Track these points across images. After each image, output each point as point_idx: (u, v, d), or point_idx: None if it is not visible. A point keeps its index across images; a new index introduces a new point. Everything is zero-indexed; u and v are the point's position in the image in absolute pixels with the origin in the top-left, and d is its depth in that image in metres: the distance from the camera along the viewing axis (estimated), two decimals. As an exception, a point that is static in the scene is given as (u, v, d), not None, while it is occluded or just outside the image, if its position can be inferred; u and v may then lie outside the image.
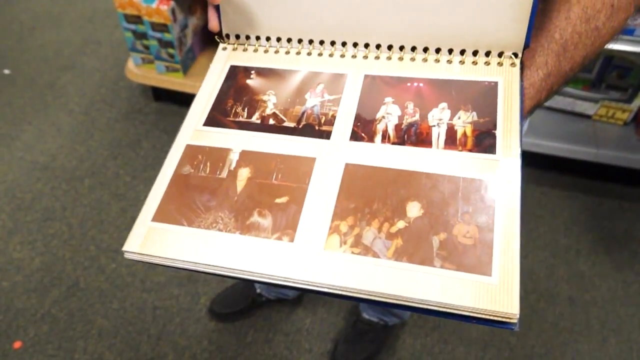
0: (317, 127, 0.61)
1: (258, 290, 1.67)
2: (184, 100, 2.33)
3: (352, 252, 0.50)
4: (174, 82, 2.16)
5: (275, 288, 1.62)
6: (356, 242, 0.51)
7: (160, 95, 2.39)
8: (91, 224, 1.93)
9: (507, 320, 0.45)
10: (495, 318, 0.46)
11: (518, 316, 0.45)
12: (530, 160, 2.02)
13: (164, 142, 2.25)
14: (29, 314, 1.68)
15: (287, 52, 0.68)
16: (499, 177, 0.53)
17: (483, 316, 0.46)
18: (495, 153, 0.55)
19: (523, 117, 0.59)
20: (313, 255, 0.51)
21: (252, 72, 0.68)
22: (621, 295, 1.70)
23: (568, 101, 1.92)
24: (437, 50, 0.63)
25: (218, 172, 0.59)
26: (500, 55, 0.62)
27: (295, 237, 0.52)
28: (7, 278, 1.77)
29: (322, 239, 0.52)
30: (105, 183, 2.07)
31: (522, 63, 0.62)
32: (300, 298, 1.72)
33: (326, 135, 0.60)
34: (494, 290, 0.46)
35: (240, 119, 0.63)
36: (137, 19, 2.00)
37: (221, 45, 0.71)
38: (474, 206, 0.51)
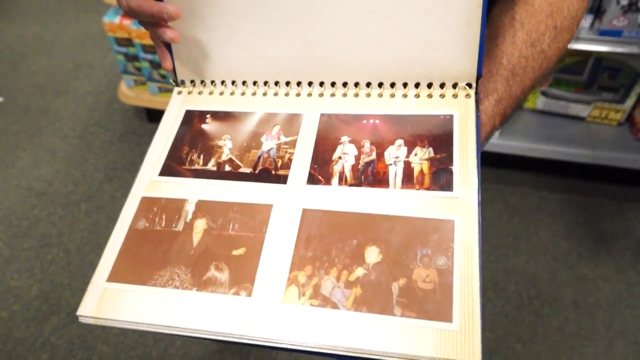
0: (273, 172, 0.60)
1: None
2: None
3: (311, 304, 0.49)
4: (167, 102, 2.14)
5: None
6: (315, 293, 0.50)
7: (154, 116, 2.39)
8: (89, 248, 1.93)
9: None
10: None
11: None
12: (528, 165, 2.00)
13: None
14: (28, 343, 1.68)
15: (243, 94, 0.68)
16: (457, 216, 0.52)
17: None
18: (452, 190, 0.54)
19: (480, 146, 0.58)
20: (271, 310, 0.50)
21: (208, 116, 0.67)
22: (625, 296, 1.68)
23: (561, 104, 1.92)
24: (392, 85, 0.63)
25: (174, 225, 0.58)
26: (454, 86, 0.61)
27: (253, 290, 0.51)
28: (6, 307, 1.77)
29: (280, 291, 0.51)
30: (102, 206, 2.07)
31: (477, 94, 0.61)
32: None
33: (283, 179, 0.59)
34: (455, 337, 0.45)
35: (196, 166, 0.63)
36: (128, 42, 2.02)
37: (176, 89, 0.71)
38: (433, 248, 0.50)
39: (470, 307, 0.47)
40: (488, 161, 1.98)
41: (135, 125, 2.42)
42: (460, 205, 0.53)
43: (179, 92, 0.71)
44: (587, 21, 1.61)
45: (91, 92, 2.59)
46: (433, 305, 0.47)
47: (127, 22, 1.96)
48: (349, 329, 0.47)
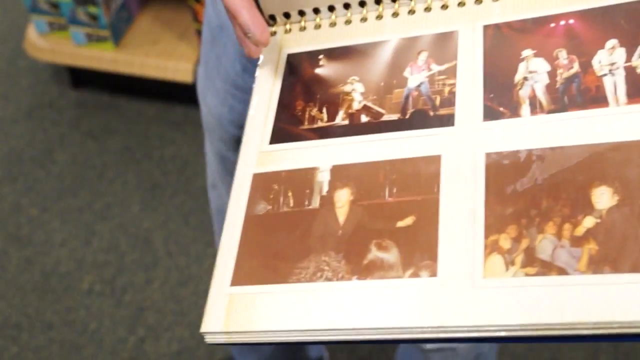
0: (431, 113, 0.64)
1: None
2: (118, 85, 2.31)
3: (527, 274, 0.52)
4: (102, 57, 2.16)
5: None
6: (529, 259, 0.53)
7: (82, 79, 2.39)
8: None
9: None
10: None
11: None
12: None
13: (90, 151, 2.23)
14: None
15: (364, 19, 0.72)
16: None
17: None
18: None
19: None
20: (470, 289, 0.53)
21: (321, 56, 0.72)
22: None
23: None
24: None
25: (306, 203, 0.63)
26: None
27: (437, 268, 0.55)
28: None
29: (478, 264, 0.54)
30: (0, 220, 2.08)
31: None
32: None
33: (448, 120, 0.63)
34: None
35: (320, 124, 0.68)
36: (37, -38, 2.00)
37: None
38: None
39: None
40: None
41: (52, 93, 2.40)
42: None
43: (273, 33, 0.75)
44: None
45: (-19, 43, 2.54)
46: None
47: None
48: (590, 298, 0.49)
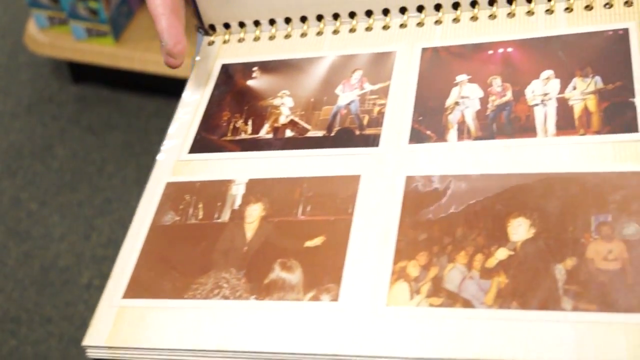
0: (357, 132, 0.64)
1: None
2: (119, 80, 2.32)
3: (431, 305, 0.51)
4: (102, 52, 2.17)
5: None
6: (436, 289, 0.51)
7: (82, 73, 2.40)
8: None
9: None
10: None
11: None
12: None
13: (90, 146, 2.24)
14: None
15: (304, 35, 0.72)
16: None
17: None
18: (638, 131, 0.55)
19: None
20: (371, 317, 0.51)
21: (255, 68, 0.72)
22: None
23: None
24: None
25: (216, 216, 0.61)
26: None
27: (340, 293, 0.53)
28: None
29: (382, 290, 0.52)
30: (0, 215, 2.10)
31: None
32: None
33: (373, 141, 0.62)
34: None
35: (243, 135, 0.67)
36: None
37: (205, 39, 0.76)
38: (615, 212, 0.51)
39: None
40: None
41: (52, 88, 2.41)
42: None
43: (210, 43, 0.75)
44: None
45: (-20, 38, 2.56)
46: (622, 292, 0.47)
47: None
48: (494, 334, 0.48)
